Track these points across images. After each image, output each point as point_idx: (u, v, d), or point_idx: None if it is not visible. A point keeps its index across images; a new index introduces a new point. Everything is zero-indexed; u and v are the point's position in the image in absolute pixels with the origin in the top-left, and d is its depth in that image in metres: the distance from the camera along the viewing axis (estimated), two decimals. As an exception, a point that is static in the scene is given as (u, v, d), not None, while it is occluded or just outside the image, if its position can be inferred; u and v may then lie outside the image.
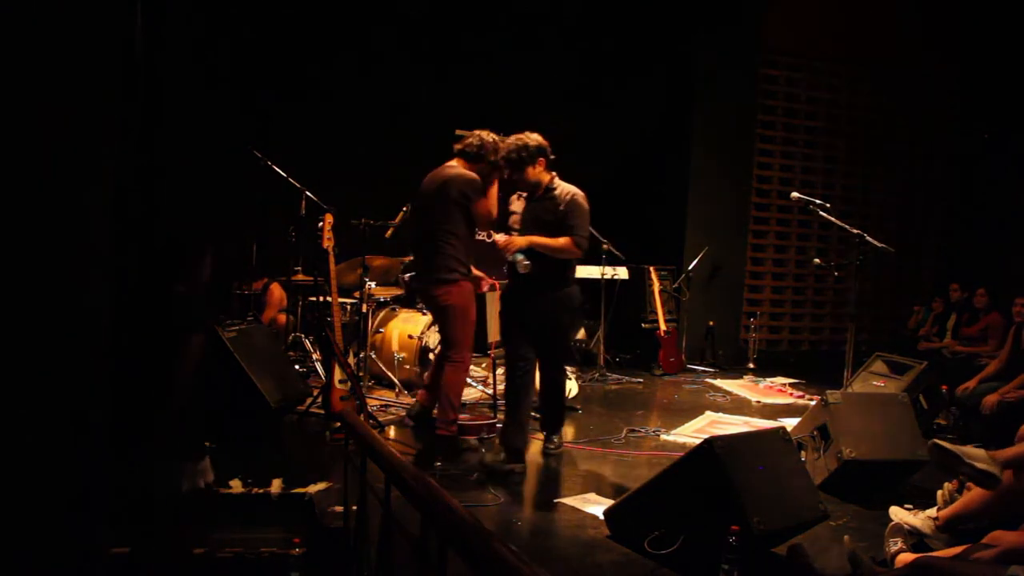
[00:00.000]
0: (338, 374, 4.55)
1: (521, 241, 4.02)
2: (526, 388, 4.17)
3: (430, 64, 7.20)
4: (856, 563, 2.86)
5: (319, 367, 5.53)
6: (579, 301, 4.28)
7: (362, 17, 7.02)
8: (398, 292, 6.07)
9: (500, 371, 6.28)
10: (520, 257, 3.98)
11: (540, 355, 4.21)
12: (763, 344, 8.51)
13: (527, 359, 4.14)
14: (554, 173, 4.17)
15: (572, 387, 5.54)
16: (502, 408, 5.32)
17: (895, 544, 2.99)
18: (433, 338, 5.54)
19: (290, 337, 6.00)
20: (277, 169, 5.47)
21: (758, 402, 6.18)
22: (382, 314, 5.95)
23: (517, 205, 4.27)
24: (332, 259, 4.76)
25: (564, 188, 4.12)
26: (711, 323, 8.11)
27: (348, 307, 5.79)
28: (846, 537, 3.10)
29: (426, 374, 5.18)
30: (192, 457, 2.68)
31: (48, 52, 1.77)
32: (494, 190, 4.42)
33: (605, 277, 6.83)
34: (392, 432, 4.74)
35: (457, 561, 1.37)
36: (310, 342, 5.98)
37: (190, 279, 3.02)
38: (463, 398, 4.70)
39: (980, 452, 2.91)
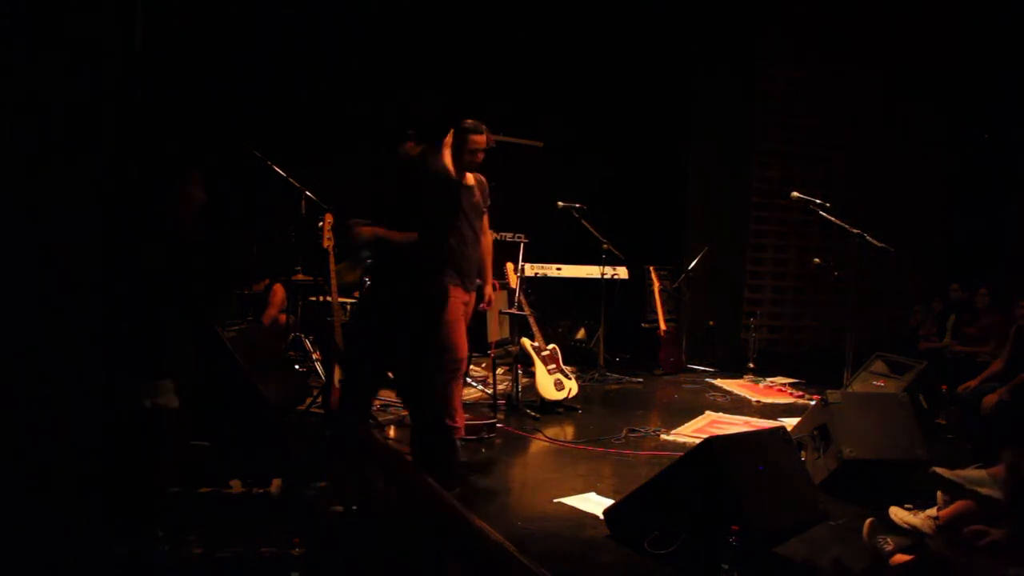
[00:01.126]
0: (338, 374, 4.55)
1: (366, 232, 3.15)
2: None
3: (431, 63, 7.20)
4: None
5: (319, 367, 5.53)
6: (440, 295, 3.28)
7: (363, 17, 7.02)
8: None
9: (500, 371, 6.31)
10: (364, 254, 3.28)
11: (404, 387, 3.29)
12: (763, 344, 8.50)
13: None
14: (427, 146, 3.22)
15: (572, 387, 5.54)
16: (502, 407, 5.35)
17: (885, 543, 2.96)
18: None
19: (290, 337, 6.00)
20: (277, 169, 5.47)
21: (758, 402, 6.17)
22: (382, 314, 5.94)
23: None
24: (332, 259, 4.76)
25: (428, 166, 3.18)
26: (711, 323, 8.11)
27: (348, 307, 5.79)
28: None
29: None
30: (153, 374, 2.49)
31: (48, 51, 1.77)
32: None
33: (605, 277, 6.83)
34: (392, 432, 4.74)
35: (457, 560, 1.37)
36: (310, 342, 5.98)
37: (178, 196, 2.78)
38: (463, 398, 4.69)
39: (981, 474, 2.88)
